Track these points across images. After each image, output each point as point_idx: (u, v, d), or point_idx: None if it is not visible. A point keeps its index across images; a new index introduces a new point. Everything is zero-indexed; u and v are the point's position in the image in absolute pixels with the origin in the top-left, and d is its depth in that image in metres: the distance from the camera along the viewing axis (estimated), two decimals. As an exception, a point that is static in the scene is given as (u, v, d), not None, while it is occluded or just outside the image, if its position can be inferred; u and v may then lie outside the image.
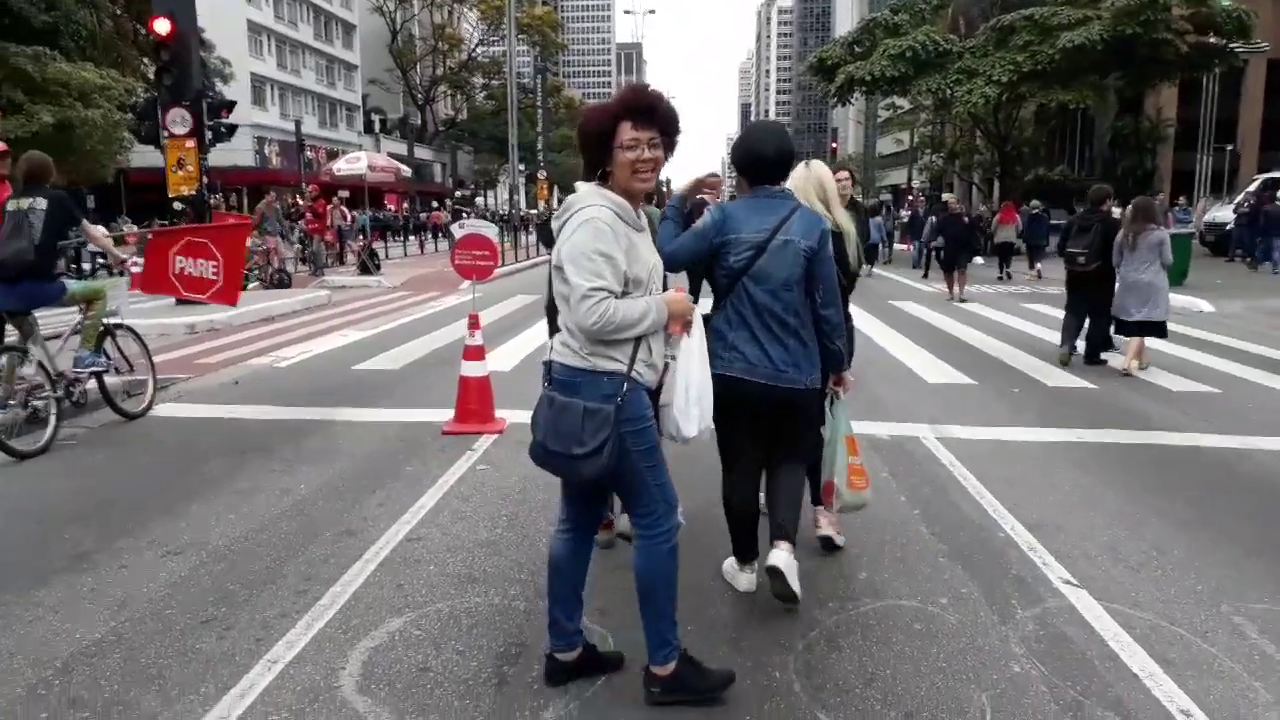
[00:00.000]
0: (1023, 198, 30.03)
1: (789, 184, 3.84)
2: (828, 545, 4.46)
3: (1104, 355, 9.76)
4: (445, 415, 6.90)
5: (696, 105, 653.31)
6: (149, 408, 7.40)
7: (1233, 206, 26.74)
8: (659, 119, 2.87)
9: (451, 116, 77.49)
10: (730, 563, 4.11)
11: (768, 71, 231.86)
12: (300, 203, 23.43)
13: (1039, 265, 21.80)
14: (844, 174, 8.02)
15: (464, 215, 27.07)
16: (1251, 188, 27.85)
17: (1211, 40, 29.29)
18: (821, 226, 3.66)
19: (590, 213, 2.81)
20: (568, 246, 2.80)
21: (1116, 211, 11.13)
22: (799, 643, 3.50)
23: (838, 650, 3.44)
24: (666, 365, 3.04)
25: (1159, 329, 9.26)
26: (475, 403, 6.65)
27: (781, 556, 3.64)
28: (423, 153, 71.00)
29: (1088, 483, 5.55)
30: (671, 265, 3.63)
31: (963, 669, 3.31)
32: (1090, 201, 9.94)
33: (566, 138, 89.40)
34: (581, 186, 2.94)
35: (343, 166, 22.63)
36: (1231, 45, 29.82)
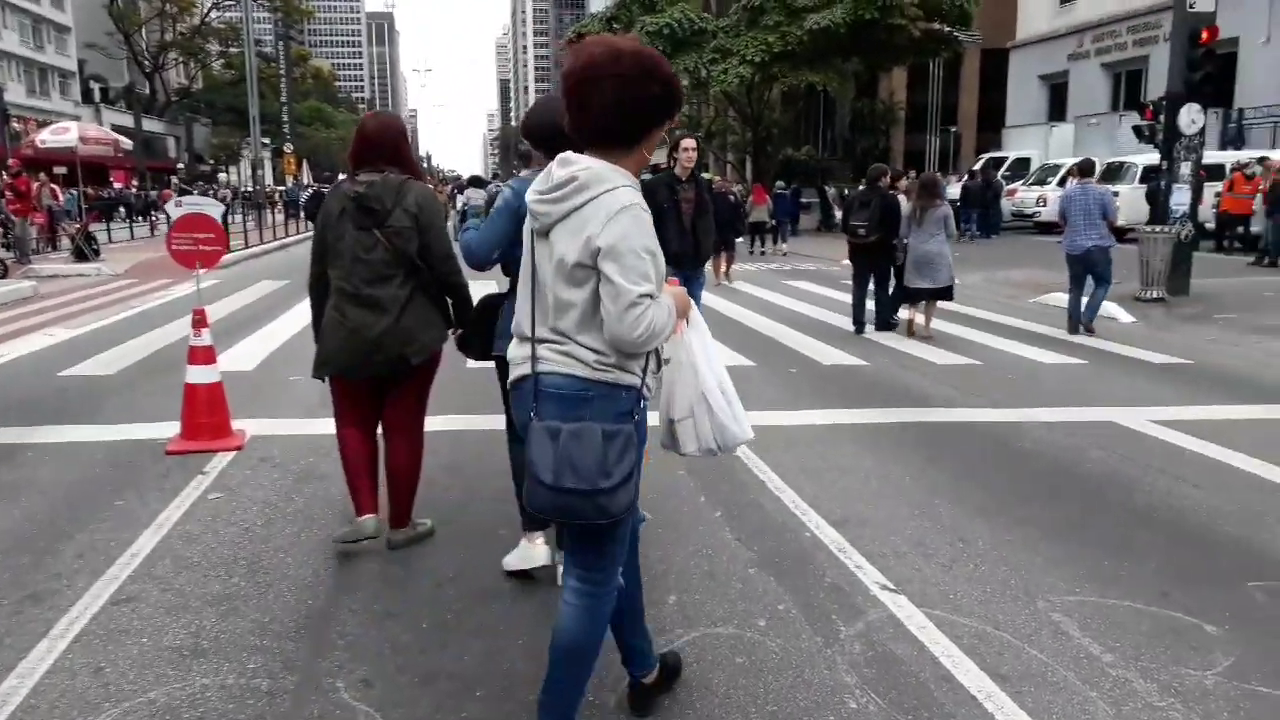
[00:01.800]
0: (775, 177, 31.12)
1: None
2: None
3: (893, 320, 10.44)
4: (170, 430, 5.85)
5: (454, 81, 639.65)
6: None
7: (961, 183, 28.83)
8: None
9: (185, 86, 71.17)
10: (516, 554, 3.87)
11: (525, 48, 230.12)
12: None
13: (785, 243, 23.48)
14: (690, 142, 7.44)
15: (193, 192, 24.60)
16: (977, 166, 30.21)
17: (937, 27, 31.38)
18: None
19: (627, 197, 2.29)
20: (610, 239, 2.24)
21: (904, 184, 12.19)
22: (610, 699, 2.97)
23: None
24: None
25: (947, 292, 10.02)
26: (205, 415, 5.65)
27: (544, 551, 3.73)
28: (153, 125, 64.80)
29: (881, 468, 5.39)
30: (485, 257, 3.50)
31: (796, 711, 2.91)
32: (868, 179, 10.62)
33: (315, 109, 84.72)
34: (590, 160, 2.35)
35: (48, 138, 19.74)
36: (955, 32, 32.12)
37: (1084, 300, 10.33)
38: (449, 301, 4.08)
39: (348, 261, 3.85)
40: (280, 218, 31.10)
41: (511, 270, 3.49)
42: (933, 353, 9.09)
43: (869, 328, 10.31)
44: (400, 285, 3.85)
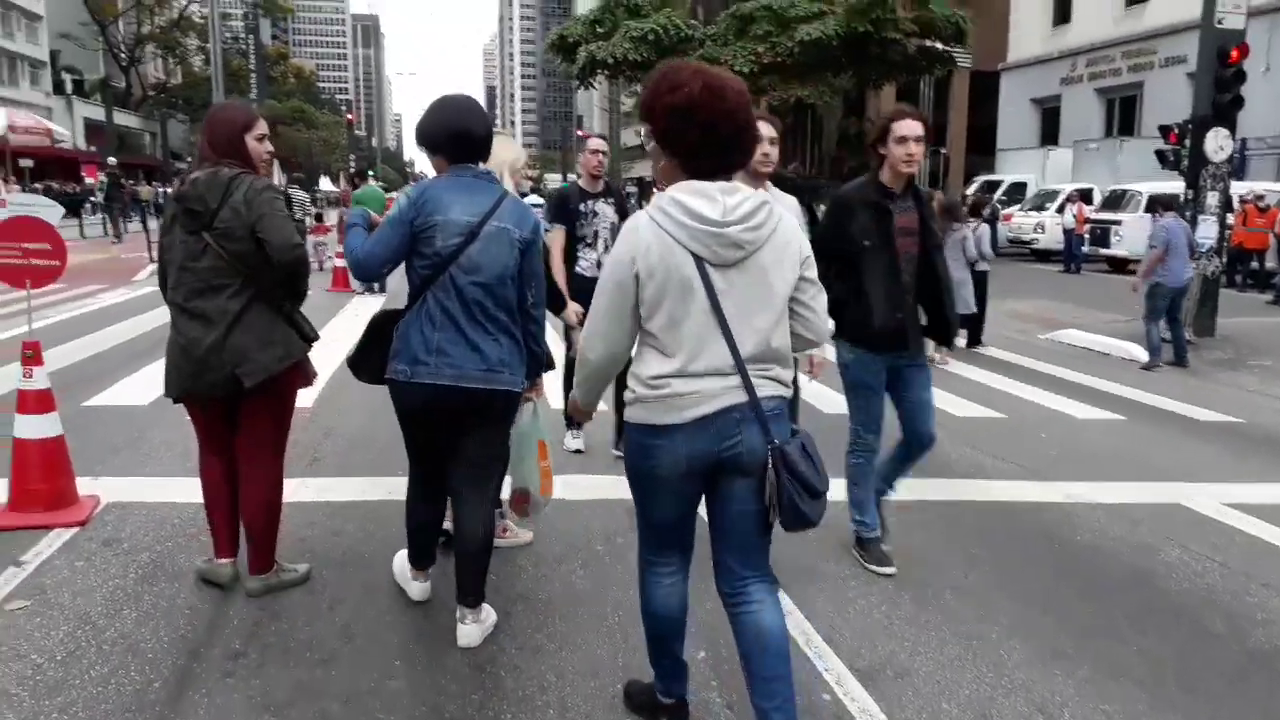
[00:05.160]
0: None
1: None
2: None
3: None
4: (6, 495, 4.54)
5: (439, 85, 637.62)
6: None
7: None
8: None
9: (163, 80, 69.53)
10: (402, 560, 3.78)
11: (511, 54, 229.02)
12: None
13: None
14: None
15: (124, 185, 23.09)
16: (971, 189, 29.27)
17: (930, 44, 30.49)
18: (535, 218, 3.37)
19: None
20: (808, 246, 2.55)
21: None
22: None
23: None
24: None
25: (961, 321, 9.35)
26: (40, 479, 4.34)
27: (474, 632, 3.37)
28: (128, 119, 63.19)
29: (912, 574, 4.15)
30: (375, 270, 3.29)
31: None
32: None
33: (298, 109, 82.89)
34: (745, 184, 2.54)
35: (-28, 126, 18.29)
36: (949, 50, 31.26)
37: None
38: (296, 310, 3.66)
39: (175, 270, 3.48)
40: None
41: (418, 282, 3.21)
42: (949, 400, 7.89)
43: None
44: (232, 296, 3.41)
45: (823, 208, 26.26)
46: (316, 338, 3.74)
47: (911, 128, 3.85)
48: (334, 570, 3.99)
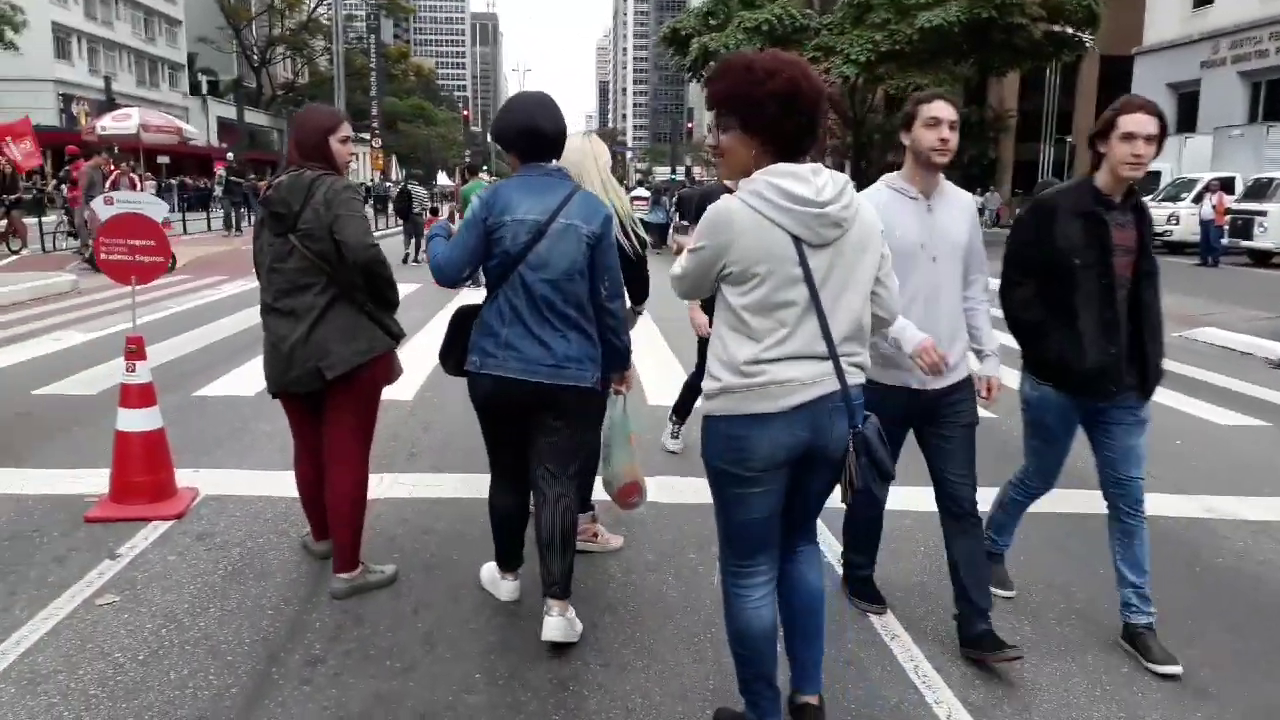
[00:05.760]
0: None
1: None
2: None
3: None
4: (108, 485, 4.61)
5: (553, 82, 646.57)
6: None
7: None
8: None
9: (290, 80, 72.36)
10: (491, 569, 3.72)
11: (624, 50, 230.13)
12: (113, 168, 19.33)
13: None
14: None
15: (243, 183, 23.85)
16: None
17: (1059, 29, 29.13)
18: (604, 211, 3.31)
19: None
20: (880, 224, 2.54)
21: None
22: None
23: None
24: None
25: None
26: (141, 471, 4.40)
27: (560, 625, 3.23)
28: (259, 118, 65.99)
29: (1032, 595, 3.84)
30: (455, 276, 3.29)
31: None
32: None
33: (418, 107, 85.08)
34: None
35: (108, 124, 19.04)
36: (1079, 34, 29.80)
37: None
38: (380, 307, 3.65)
39: (265, 272, 3.57)
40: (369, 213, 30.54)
41: (492, 280, 3.25)
42: (1073, 404, 7.40)
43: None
44: (318, 294, 3.47)
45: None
46: (403, 334, 3.74)
47: (1142, 123, 3.16)
48: (420, 572, 3.90)
